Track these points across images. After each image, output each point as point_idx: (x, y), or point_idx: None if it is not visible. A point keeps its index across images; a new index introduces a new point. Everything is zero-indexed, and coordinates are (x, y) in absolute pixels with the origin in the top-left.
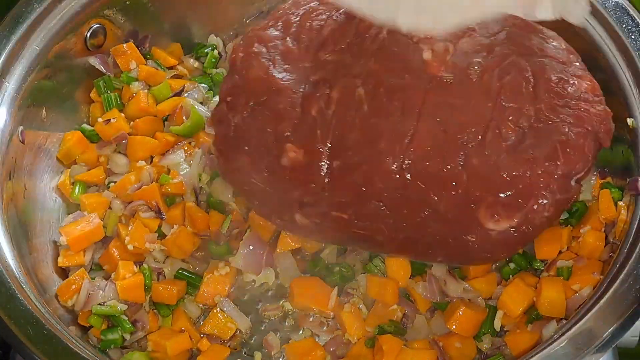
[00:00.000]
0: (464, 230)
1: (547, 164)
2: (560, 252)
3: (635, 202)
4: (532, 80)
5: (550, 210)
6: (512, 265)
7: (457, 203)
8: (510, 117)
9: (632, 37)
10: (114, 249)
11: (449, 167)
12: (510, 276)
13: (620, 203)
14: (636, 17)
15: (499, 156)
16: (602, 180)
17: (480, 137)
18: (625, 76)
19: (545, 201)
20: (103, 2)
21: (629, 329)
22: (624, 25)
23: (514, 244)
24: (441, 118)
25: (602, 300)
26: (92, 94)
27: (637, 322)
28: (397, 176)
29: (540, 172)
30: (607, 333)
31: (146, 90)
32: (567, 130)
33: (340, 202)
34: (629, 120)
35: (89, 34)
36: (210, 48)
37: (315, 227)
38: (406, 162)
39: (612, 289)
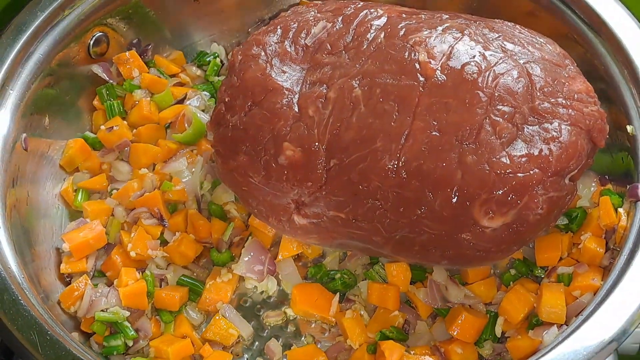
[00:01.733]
0: (459, 228)
1: (540, 161)
2: (560, 259)
3: (636, 209)
4: (526, 80)
5: (544, 208)
6: (512, 271)
7: (452, 201)
8: (505, 116)
9: (632, 44)
10: (116, 256)
11: (443, 165)
12: (511, 282)
13: (621, 210)
14: (636, 25)
15: (492, 154)
16: (603, 187)
17: (474, 135)
18: (625, 83)
19: (538, 198)
20: (106, 11)
21: (629, 336)
22: (624, 33)
23: (509, 242)
24: (436, 117)
25: (603, 307)
26: (95, 102)
27: (637, 328)
28: (393, 174)
29: (533, 169)
30: (607, 339)
31: (148, 98)
32: (560, 128)
33: (337, 201)
34: (629, 128)
35: (92, 42)
36: (212, 56)
37: (314, 228)
38: (402, 160)
39: (612, 295)
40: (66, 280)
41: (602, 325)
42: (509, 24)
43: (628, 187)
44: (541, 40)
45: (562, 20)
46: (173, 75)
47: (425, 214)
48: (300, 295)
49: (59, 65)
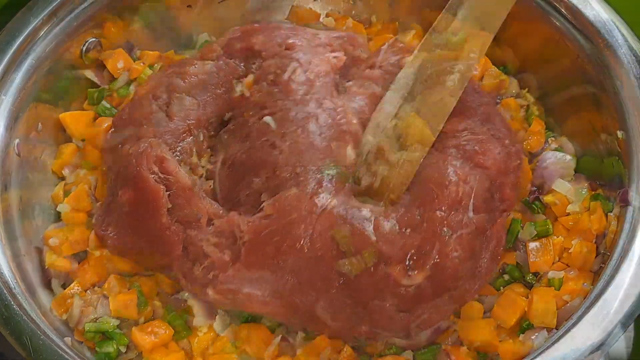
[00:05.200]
0: (381, 293)
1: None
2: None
3: (626, 214)
4: None
5: (458, 249)
6: (506, 276)
7: (369, 267)
8: None
9: (622, 50)
10: (86, 265)
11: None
12: (502, 287)
13: (611, 214)
14: (625, 31)
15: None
16: (593, 192)
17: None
18: (615, 89)
19: (449, 241)
20: (99, 17)
21: (618, 339)
22: (614, 39)
23: (432, 295)
24: None
25: (592, 310)
26: (85, 105)
27: (627, 332)
28: (308, 243)
29: (430, 214)
30: (596, 343)
31: None
32: (446, 170)
33: (251, 277)
34: (619, 133)
35: (84, 48)
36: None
37: (230, 303)
38: (317, 231)
39: (602, 299)
40: (60, 285)
41: (592, 329)
42: None
43: (619, 192)
44: None
45: (552, 26)
46: None
47: (345, 284)
48: (244, 335)
49: (51, 70)
